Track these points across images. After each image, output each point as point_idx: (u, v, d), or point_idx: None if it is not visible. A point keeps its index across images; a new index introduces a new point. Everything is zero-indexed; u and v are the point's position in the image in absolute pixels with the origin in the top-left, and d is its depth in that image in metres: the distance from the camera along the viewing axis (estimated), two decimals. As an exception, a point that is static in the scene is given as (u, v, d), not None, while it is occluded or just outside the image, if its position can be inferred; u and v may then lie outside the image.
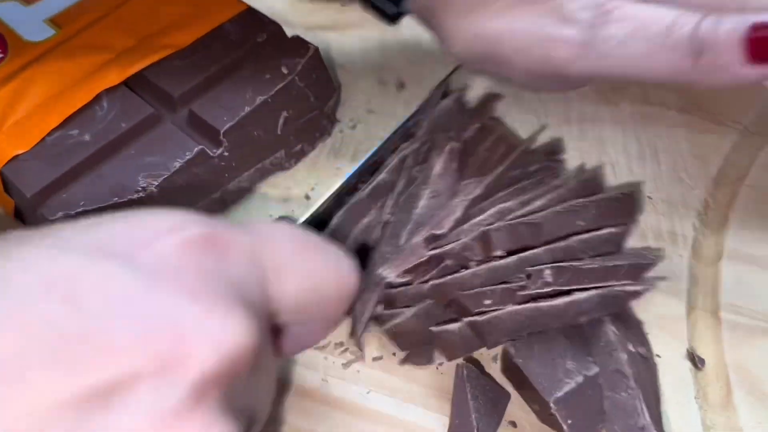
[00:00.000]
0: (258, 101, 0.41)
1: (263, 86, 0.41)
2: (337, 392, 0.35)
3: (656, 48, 0.28)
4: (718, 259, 0.40)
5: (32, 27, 0.44)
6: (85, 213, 0.37)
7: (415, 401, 0.35)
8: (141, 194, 0.37)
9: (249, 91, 0.41)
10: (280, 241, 0.23)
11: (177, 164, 0.38)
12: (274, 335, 0.24)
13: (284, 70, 0.42)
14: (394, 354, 0.37)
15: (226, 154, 0.40)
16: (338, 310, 0.25)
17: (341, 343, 0.37)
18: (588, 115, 0.47)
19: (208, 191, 0.41)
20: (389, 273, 0.36)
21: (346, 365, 0.36)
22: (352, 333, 0.37)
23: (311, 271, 0.23)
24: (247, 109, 0.40)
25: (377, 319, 0.37)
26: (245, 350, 0.19)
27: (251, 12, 0.45)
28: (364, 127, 0.47)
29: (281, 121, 0.43)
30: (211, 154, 0.40)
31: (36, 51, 0.42)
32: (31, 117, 0.39)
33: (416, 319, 0.36)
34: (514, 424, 0.34)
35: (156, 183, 0.38)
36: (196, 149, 0.39)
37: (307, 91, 0.43)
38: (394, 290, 0.36)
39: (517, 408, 0.34)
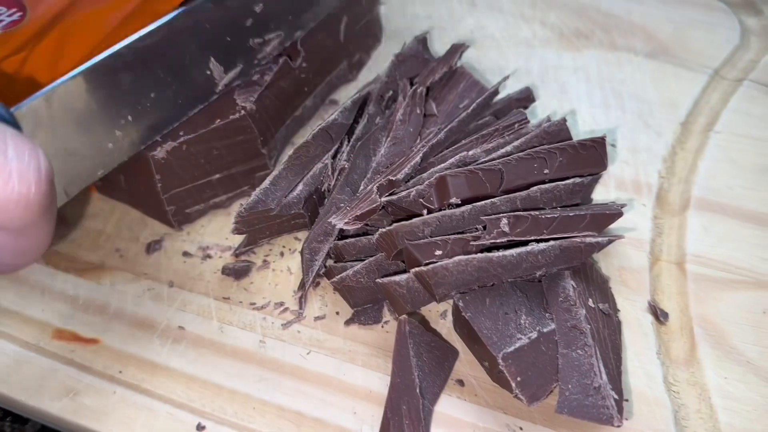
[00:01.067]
0: None
1: None
2: (275, 354, 0.33)
3: None
4: (684, 209, 0.37)
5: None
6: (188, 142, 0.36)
7: (356, 361, 0.32)
8: (241, 112, 0.37)
9: None
10: None
11: (267, 78, 0.39)
12: None
13: None
14: (337, 313, 0.34)
15: (304, 64, 0.41)
16: (16, 221, 0.21)
17: (281, 303, 0.35)
18: (550, 63, 0.44)
19: (292, 108, 0.42)
20: (340, 221, 0.33)
21: (285, 326, 0.34)
22: (300, 286, 0.35)
23: None
24: None
25: (327, 273, 0.35)
26: None
27: None
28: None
29: (343, 26, 0.43)
30: (293, 65, 0.41)
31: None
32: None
33: (367, 273, 0.33)
34: (461, 382, 0.32)
35: (253, 98, 0.38)
36: (281, 60, 0.40)
37: None
38: (343, 242, 0.34)
39: (466, 366, 0.32)
